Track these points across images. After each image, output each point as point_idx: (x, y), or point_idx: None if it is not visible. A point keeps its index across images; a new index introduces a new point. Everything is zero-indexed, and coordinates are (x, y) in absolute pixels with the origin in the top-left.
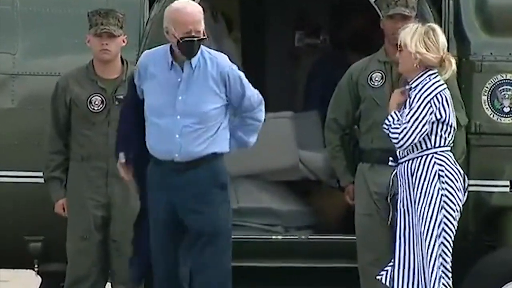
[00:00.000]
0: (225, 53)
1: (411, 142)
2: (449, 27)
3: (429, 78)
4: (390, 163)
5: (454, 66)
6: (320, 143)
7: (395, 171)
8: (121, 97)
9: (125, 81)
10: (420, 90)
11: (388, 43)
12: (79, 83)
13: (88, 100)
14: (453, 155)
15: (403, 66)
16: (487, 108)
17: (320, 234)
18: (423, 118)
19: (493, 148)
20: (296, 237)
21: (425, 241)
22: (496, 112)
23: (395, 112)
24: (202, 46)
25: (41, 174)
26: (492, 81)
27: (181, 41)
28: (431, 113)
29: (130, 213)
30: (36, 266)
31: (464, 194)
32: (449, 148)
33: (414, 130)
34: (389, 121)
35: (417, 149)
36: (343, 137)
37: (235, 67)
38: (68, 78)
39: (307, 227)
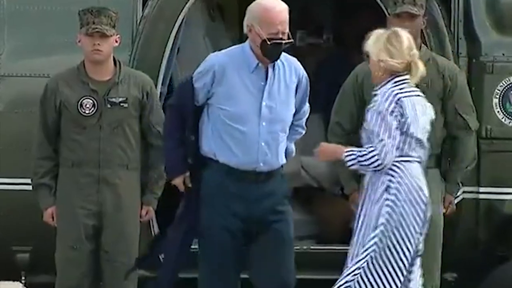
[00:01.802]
0: None
1: (394, 156)
2: (459, 26)
3: (393, 86)
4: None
5: (422, 70)
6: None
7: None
8: (114, 99)
9: (118, 83)
10: (380, 103)
11: None
12: (69, 85)
13: (79, 103)
14: (462, 161)
15: (372, 73)
16: (498, 111)
17: (322, 244)
18: (391, 126)
19: (505, 154)
20: (298, 247)
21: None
22: (508, 116)
23: (349, 150)
24: None
25: (29, 181)
26: (504, 83)
27: (268, 43)
28: (397, 120)
29: (123, 222)
30: (23, 278)
31: (424, 210)
32: (409, 159)
33: (391, 141)
34: (353, 155)
35: None
36: (348, 142)
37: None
38: (58, 80)
39: (309, 237)
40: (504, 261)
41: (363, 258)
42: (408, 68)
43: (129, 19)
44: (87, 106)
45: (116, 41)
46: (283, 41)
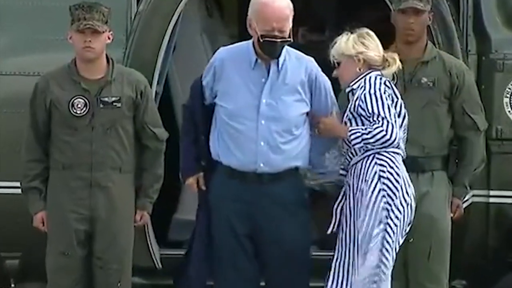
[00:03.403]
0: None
1: (399, 131)
2: (468, 22)
3: (373, 77)
4: (341, 172)
5: (398, 63)
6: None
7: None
8: (106, 99)
9: (110, 82)
10: (370, 86)
11: (399, 39)
12: (60, 84)
13: (70, 103)
14: (471, 163)
15: (345, 76)
16: (509, 111)
17: (325, 250)
18: (389, 104)
19: None
20: None
21: (361, 247)
22: None
23: (351, 129)
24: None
25: (18, 184)
26: None
27: (261, 40)
28: (389, 96)
29: (116, 228)
30: (12, 285)
31: (409, 201)
32: (395, 150)
33: (394, 117)
34: (358, 133)
35: (360, 152)
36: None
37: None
38: (48, 79)
39: (311, 242)
40: None
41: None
42: (384, 63)
43: (122, 14)
44: (79, 106)
45: (109, 38)
46: (277, 40)
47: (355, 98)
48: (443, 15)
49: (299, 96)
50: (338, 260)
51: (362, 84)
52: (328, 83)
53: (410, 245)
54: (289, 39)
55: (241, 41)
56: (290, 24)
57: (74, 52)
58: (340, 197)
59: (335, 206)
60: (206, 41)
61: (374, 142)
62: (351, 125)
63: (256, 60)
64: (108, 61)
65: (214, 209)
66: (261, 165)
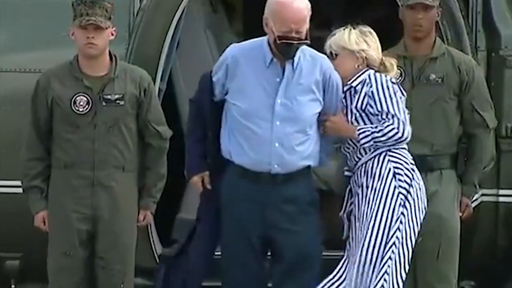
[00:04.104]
0: (223, 47)
1: (410, 129)
2: (477, 18)
3: (377, 74)
4: (346, 173)
5: (396, 70)
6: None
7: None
8: (109, 96)
9: (113, 79)
10: (376, 82)
11: (408, 36)
12: (61, 81)
13: (72, 101)
14: (480, 161)
15: (343, 71)
16: None
17: (332, 250)
18: (398, 99)
19: None
20: None
21: (374, 243)
22: None
23: (360, 128)
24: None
25: (18, 183)
26: None
27: (278, 41)
28: (399, 92)
29: (119, 228)
30: (12, 286)
31: (423, 198)
32: (405, 146)
33: (404, 113)
34: (367, 132)
35: (370, 150)
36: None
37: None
38: (50, 76)
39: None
40: None
41: (386, 256)
42: (380, 67)
43: (125, 10)
44: (81, 103)
45: (112, 34)
46: (294, 42)
47: (362, 95)
48: (452, 10)
49: (313, 95)
50: (346, 260)
51: (367, 80)
52: (339, 80)
53: (418, 244)
54: (306, 41)
55: (246, 37)
56: (307, 25)
57: (76, 48)
58: (346, 199)
59: (343, 210)
60: (210, 37)
61: (385, 140)
62: (358, 123)
63: (272, 59)
64: (111, 58)
65: (224, 209)
66: (275, 166)
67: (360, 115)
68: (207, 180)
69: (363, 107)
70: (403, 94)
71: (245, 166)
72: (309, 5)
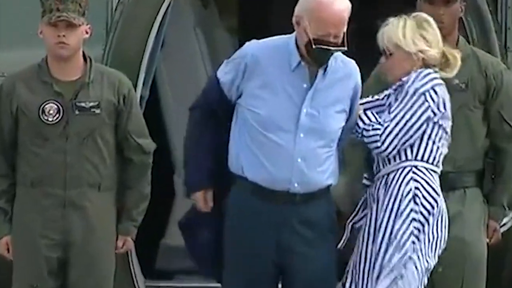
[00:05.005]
0: (215, 47)
1: (398, 146)
2: (507, 14)
3: (421, 72)
4: (364, 181)
5: (459, 63)
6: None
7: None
8: (83, 104)
9: (88, 84)
10: (413, 82)
11: None
12: (29, 87)
13: (41, 109)
14: (510, 178)
15: (397, 72)
16: None
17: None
18: (414, 114)
19: None
20: None
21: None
22: None
23: (365, 113)
24: None
25: None
26: None
27: (314, 46)
28: (426, 109)
29: (94, 255)
30: None
31: (444, 229)
32: (435, 168)
33: (402, 129)
34: (363, 123)
35: (394, 161)
36: (370, 156)
37: None
38: (15, 80)
39: None
40: None
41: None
42: (442, 63)
43: (102, 4)
44: (51, 112)
45: (86, 32)
46: (332, 48)
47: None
48: (477, 5)
49: (342, 106)
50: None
51: (412, 77)
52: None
53: (438, 275)
54: (343, 47)
55: (241, 35)
56: (345, 28)
57: (43, 48)
58: (358, 209)
59: (351, 218)
60: (200, 35)
61: (367, 143)
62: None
63: (300, 62)
64: (85, 60)
65: (231, 231)
66: (296, 185)
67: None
68: (210, 198)
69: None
70: (439, 109)
71: (260, 184)
72: (349, 6)
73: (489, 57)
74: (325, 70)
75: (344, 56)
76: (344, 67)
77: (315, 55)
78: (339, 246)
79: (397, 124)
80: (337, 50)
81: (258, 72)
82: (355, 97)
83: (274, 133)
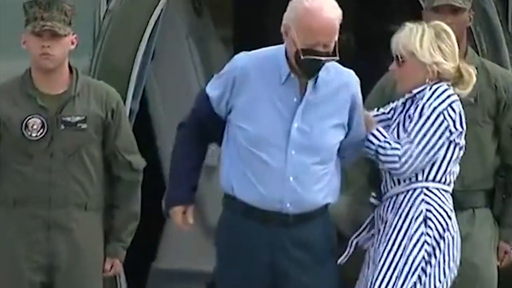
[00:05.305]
0: (209, 57)
1: (417, 169)
2: None
3: (438, 88)
4: (371, 200)
5: (474, 80)
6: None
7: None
8: (69, 119)
9: (74, 98)
10: (429, 99)
11: None
12: (11, 100)
13: (24, 124)
14: None
15: (408, 83)
16: None
17: None
18: (433, 135)
19: None
20: None
21: None
22: None
23: (378, 130)
24: None
25: None
26: None
27: (302, 57)
28: (445, 129)
29: (80, 279)
30: None
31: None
32: (446, 188)
33: (421, 151)
34: (377, 140)
35: (404, 182)
36: (372, 174)
37: None
38: None
39: None
40: None
41: None
42: (457, 75)
43: (89, 13)
44: (34, 127)
45: (72, 43)
46: (322, 58)
47: (412, 108)
48: (487, 14)
49: (338, 120)
50: None
51: (428, 94)
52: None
53: None
54: (335, 57)
55: (236, 45)
56: (336, 37)
57: (27, 60)
58: (363, 228)
59: (355, 236)
60: (193, 45)
61: (383, 162)
62: (391, 132)
63: (289, 74)
64: (71, 72)
65: (222, 254)
66: (288, 205)
67: (398, 124)
68: (190, 213)
69: (405, 118)
70: (455, 127)
71: (250, 204)
72: (340, 14)
73: (499, 68)
74: (315, 81)
75: (340, 66)
76: (338, 78)
77: (304, 66)
78: (339, 261)
79: (417, 146)
80: (327, 60)
81: (247, 86)
82: (354, 108)
83: (263, 151)
